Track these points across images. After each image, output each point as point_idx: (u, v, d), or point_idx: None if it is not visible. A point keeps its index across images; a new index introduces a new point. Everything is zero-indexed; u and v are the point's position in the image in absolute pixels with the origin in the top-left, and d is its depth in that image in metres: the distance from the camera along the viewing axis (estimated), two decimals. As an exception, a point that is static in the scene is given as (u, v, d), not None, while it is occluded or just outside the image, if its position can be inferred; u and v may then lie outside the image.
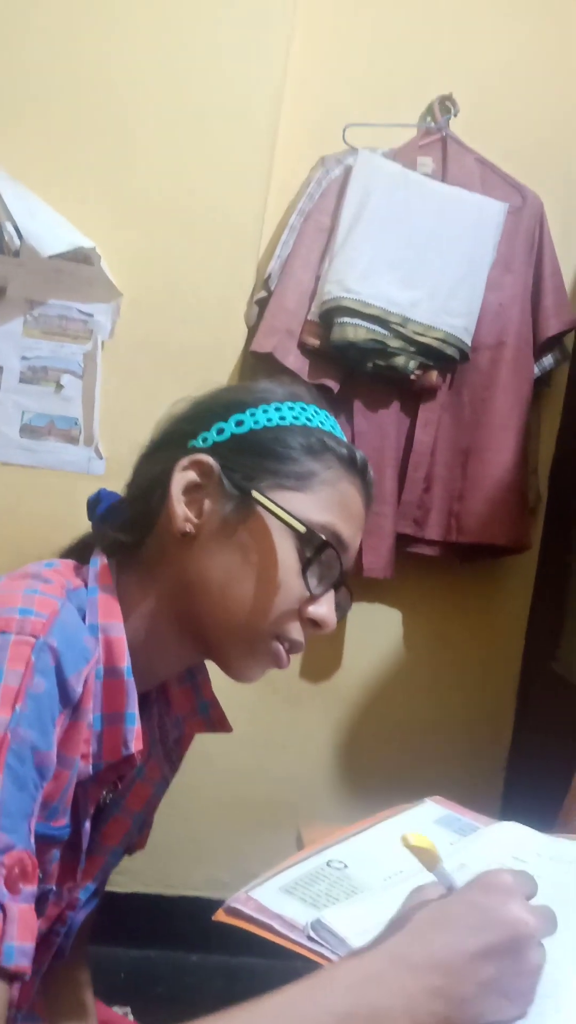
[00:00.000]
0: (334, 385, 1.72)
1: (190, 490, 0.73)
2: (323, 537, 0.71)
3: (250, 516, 0.72)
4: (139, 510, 0.76)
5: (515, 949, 0.51)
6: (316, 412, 0.78)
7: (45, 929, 0.72)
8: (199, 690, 0.86)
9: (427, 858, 0.53)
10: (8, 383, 1.67)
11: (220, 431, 0.75)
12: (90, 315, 1.67)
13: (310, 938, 0.56)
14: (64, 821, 0.66)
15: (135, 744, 0.67)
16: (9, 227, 1.51)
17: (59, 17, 1.57)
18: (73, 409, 1.69)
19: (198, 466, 0.73)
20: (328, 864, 0.66)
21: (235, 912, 0.58)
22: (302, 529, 0.71)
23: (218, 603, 0.72)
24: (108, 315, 1.67)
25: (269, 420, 0.75)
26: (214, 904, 0.58)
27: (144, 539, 0.75)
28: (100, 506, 0.82)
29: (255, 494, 0.71)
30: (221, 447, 0.74)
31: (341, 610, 0.78)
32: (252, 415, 0.75)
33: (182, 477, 0.73)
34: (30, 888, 0.58)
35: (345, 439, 0.79)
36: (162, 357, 1.70)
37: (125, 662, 0.68)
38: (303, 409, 0.77)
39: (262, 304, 1.72)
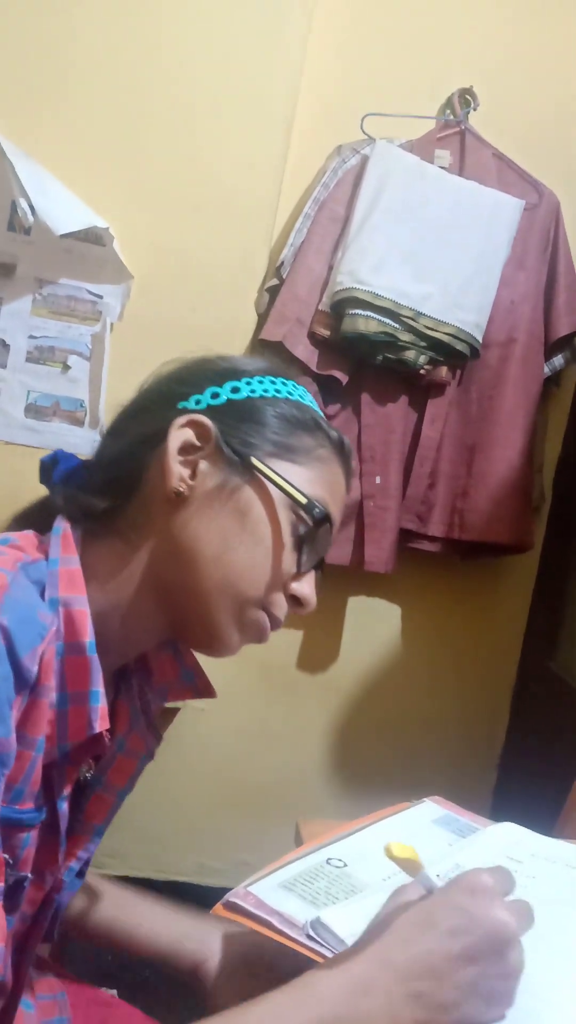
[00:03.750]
0: (343, 377, 1.71)
1: (185, 450, 0.71)
2: (325, 510, 0.70)
3: (247, 483, 0.70)
4: (123, 470, 0.73)
5: (497, 951, 0.51)
6: (305, 393, 0.77)
7: (32, 914, 0.71)
8: (182, 658, 0.82)
9: (410, 868, 0.53)
10: (15, 362, 1.66)
11: (215, 395, 0.73)
12: (100, 296, 1.66)
13: (309, 936, 0.56)
14: (30, 804, 0.63)
15: (100, 724, 0.64)
16: (23, 204, 1.49)
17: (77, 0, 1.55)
18: (79, 391, 1.68)
19: (196, 426, 0.71)
20: (327, 862, 0.66)
21: (234, 907, 0.58)
22: (303, 500, 0.69)
23: (208, 569, 0.69)
24: (118, 297, 1.66)
25: (265, 391, 0.73)
26: (204, 890, 0.58)
27: (123, 503, 0.72)
28: (57, 468, 0.79)
29: (254, 460, 0.70)
30: (214, 411, 0.72)
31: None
32: (248, 383, 0.73)
33: (179, 435, 0.70)
34: None
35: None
36: (171, 342, 1.67)
37: (88, 637, 0.64)
38: (295, 387, 0.76)
39: (273, 292, 1.71)
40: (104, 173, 1.61)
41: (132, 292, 1.66)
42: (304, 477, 0.71)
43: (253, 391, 0.73)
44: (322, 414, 0.77)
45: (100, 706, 0.64)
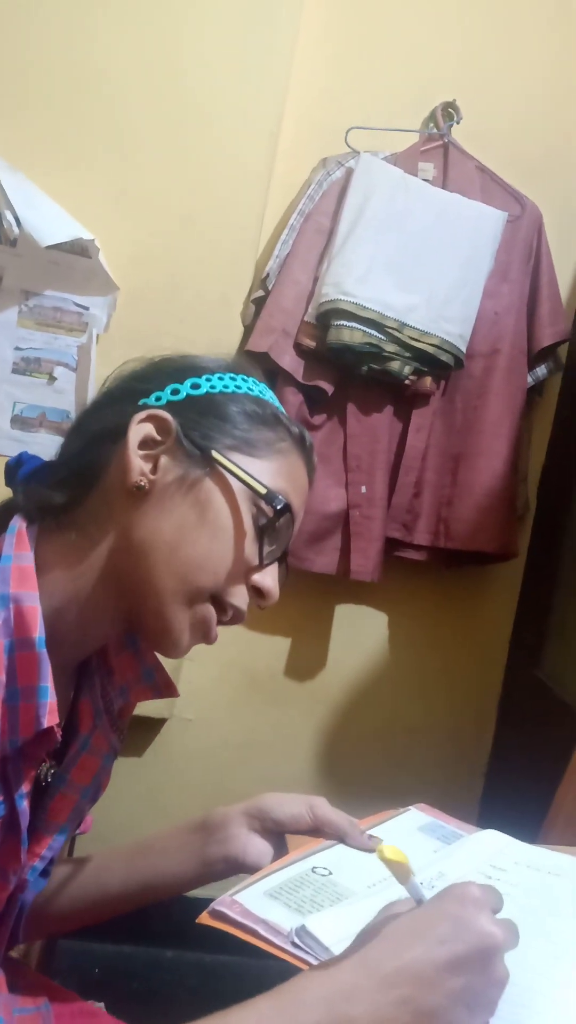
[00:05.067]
0: (328, 387, 1.72)
1: (146, 444, 0.72)
2: (285, 501, 0.71)
3: (208, 476, 0.71)
4: (83, 464, 0.74)
5: (484, 961, 0.51)
6: (266, 390, 0.79)
7: None
8: (142, 656, 0.83)
9: (400, 871, 0.53)
10: (0, 373, 1.66)
11: (175, 392, 0.74)
12: (86, 308, 1.66)
13: (294, 944, 0.56)
14: None
15: (48, 719, 0.64)
16: (8, 216, 1.50)
17: (63, 10, 1.55)
18: (65, 402, 1.68)
19: (156, 421, 0.72)
20: (313, 870, 0.67)
21: (220, 915, 0.59)
22: (263, 490, 0.70)
23: (165, 560, 0.70)
24: (104, 308, 1.66)
25: (225, 387, 0.75)
26: (191, 901, 0.58)
27: (82, 498, 0.73)
28: (22, 469, 0.79)
29: (215, 454, 0.71)
30: (175, 407, 0.73)
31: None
32: (208, 380, 0.75)
33: (140, 429, 0.71)
34: None
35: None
36: (157, 353, 1.69)
37: (37, 632, 0.65)
38: (256, 383, 0.78)
39: (259, 303, 1.72)
40: (90, 185, 1.61)
41: (118, 304, 1.66)
42: (265, 470, 0.72)
43: (213, 387, 0.75)
44: (283, 410, 0.79)
45: (49, 701, 0.65)
